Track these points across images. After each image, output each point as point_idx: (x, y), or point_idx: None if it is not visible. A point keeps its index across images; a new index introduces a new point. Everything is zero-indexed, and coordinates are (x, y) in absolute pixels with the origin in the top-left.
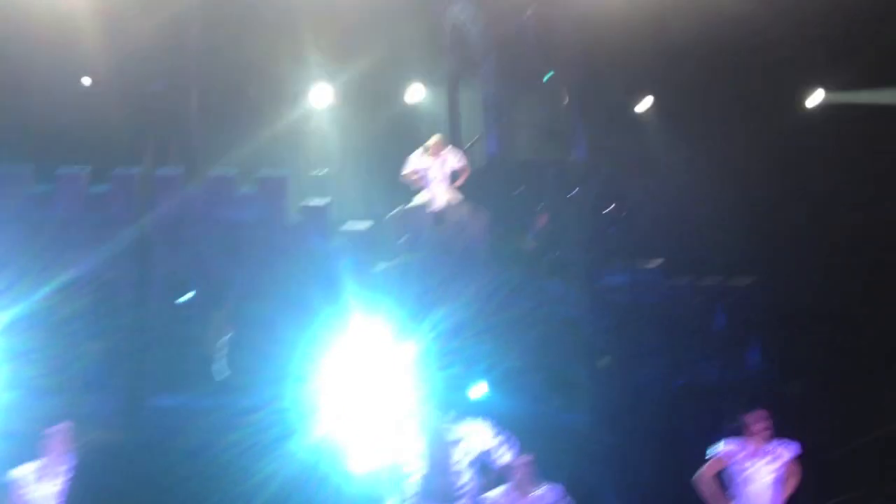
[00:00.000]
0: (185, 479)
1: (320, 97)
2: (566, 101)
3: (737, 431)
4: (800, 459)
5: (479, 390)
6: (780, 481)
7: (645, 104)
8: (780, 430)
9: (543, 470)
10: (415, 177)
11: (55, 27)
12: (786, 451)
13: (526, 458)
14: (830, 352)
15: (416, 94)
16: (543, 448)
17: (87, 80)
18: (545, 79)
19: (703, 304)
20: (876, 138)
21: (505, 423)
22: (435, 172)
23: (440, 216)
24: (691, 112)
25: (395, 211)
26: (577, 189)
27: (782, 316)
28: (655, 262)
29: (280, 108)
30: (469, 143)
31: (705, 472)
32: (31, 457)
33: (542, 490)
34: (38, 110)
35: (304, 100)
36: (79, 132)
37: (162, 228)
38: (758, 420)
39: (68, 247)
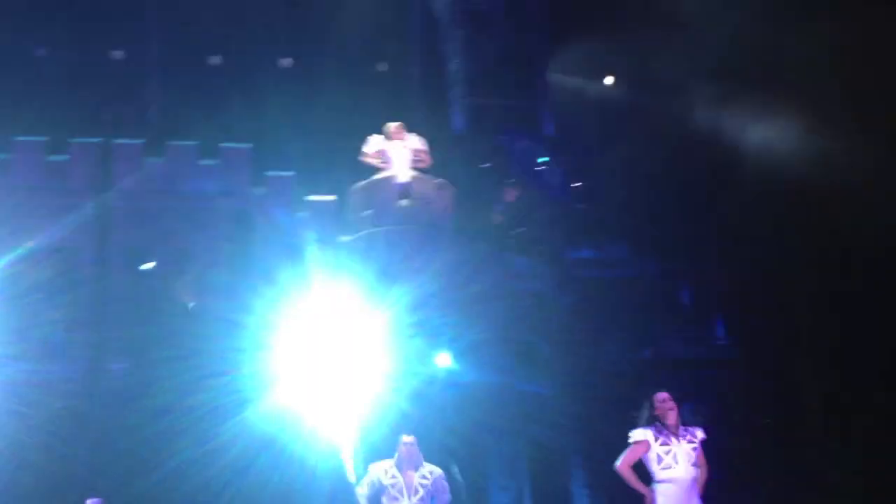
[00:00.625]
0: (146, 441)
1: (284, 68)
2: (534, 76)
3: (650, 417)
4: (707, 448)
5: (444, 360)
6: (697, 463)
7: (609, 80)
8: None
9: (507, 437)
10: (376, 159)
11: None
12: (698, 434)
13: (410, 438)
14: (795, 327)
15: (381, 67)
16: (508, 416)
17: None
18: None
19: (668, 280)
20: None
21: (469, 393)
22: (396, 153)
23: (405, 189)
24: (657, 89)
25: (359, 184)
26: (545, 165)
27: (747, 291)
28: (621, 239)
29: (243, 78)
30: None
31: (625, 461)
32: None
33: (424, 470)
34: None
35: (267, 70)
36: (35, 102)
37: (122, 199)
38: (663, 401)
39: (28, 216)
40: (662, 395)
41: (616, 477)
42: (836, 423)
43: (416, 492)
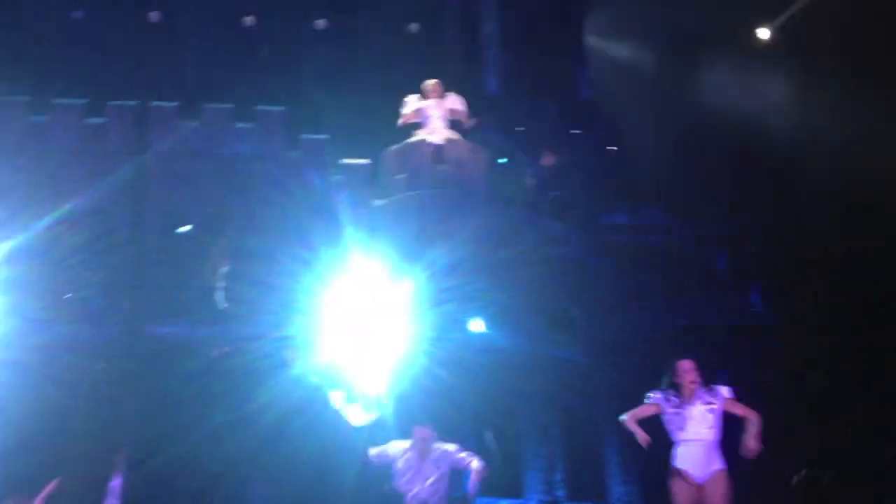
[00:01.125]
0: (184, 404)
1: (318, 30)
2: (570, 39)
3: (670, 382)
4: (739, 398)
5: (477, 326)
6: (714, 424)
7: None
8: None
9: (540, 404)
10: (414, 118)
11: None
12: (721, 395)
13: (426, 432)
14: (832, 296)
15: (415, 28)
16: (541, 382)
17: (79, 13)
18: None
19: (704, 246)
20: None
21: (503, 359)
22: (434, 111)
23: (439, 153)
24: (696, 58)
25: (393, 147)
26: (580, 129)
27: (784, 259)
28: (656, 204)
29: (277, 41)
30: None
31: (634, 413)
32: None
33: (440, 451)
34: (33, 42)
35: (301, 32)
36: (72, 64)
37: (159, 162)
38: (686, 370)
39: (66, 179)
40: (685, 365)
41: (650, 447)
42: (871, 392)
43: (428, 478)
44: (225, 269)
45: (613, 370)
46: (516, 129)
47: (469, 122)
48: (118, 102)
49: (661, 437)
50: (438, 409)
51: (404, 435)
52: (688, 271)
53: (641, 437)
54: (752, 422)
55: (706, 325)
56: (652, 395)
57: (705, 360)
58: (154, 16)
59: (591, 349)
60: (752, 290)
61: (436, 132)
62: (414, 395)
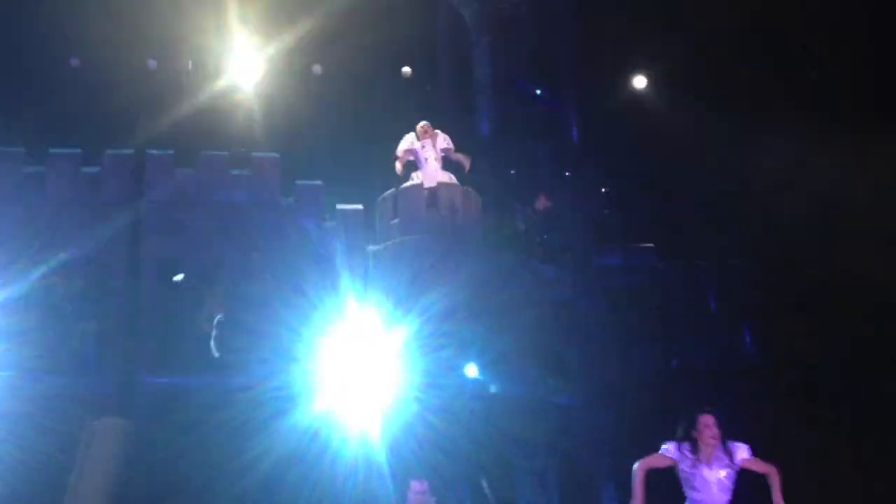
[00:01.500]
0: (179, 456)
1: (313, 75)
2: (561, 82)
3: (687, 434)
4: (757, 454)
5: (472, 371)
6: (730, 487)
7: (640, 84)
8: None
9: (536, 450)
10: (409, 157)
11: (44, 6)
12: (739, 456)
13: (422, 486)
14: (824, 335)
15: (407, 74)
16: (535, 428)
17: (75, 61)
18: None
19: (695, 287)
20: None
21: (498, 404)
22: (429, 152)
23: (433, 198)
24: (688, 92)
25: (388, 192)
26: (571, 171)
27: (775, 299)
28: (648, 245)
29: (272, 86)
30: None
31: (647, 462)
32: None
33: None
34: (29, 90)
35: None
36: (68, 112)
37: (154, 210)
38: (707, 425)
39: (61, 228)
40: (706, 420)
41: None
42: (868, 434)
43: None
44: (220, 317)
45: (608, 414)
46: (509, 171)
47: (467, 161)
48: (113, 151)
49: (664, 483)
50: (432, 456)
51: (398, 483)
52: (680, 312)
53: (637, 499)
54: (775, 479)
55: (699, 366)
56: (667, 445)
57: (699, 402)
58: (151, 63)
59: (586, 393)
60: (744, 330)
61: (430, 174)
62: (407, 442)
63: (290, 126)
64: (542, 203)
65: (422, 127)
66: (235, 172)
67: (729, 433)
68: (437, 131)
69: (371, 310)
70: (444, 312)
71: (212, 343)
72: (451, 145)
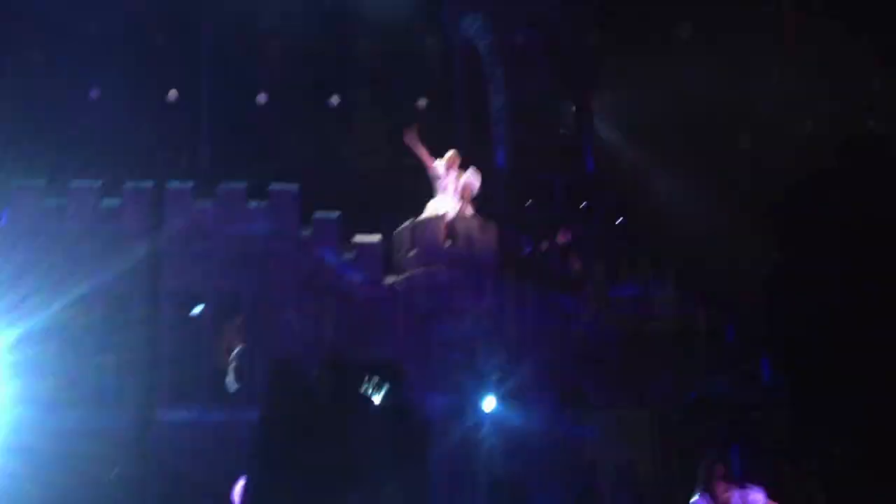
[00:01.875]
0: (198, 491)
1: (333, 106)
2: (575, 113)
3: (707, 485)
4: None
5: (490, 404)
6: None
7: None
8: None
9: (554, 483)
10: (434, 174)
11: (65, 38)
12: (753, 498)
13: None
14: (842, 364)
15: (424, 106)
16: (554, 461)
17: (96, 93)
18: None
19: (713, 317)
20: None
21: (516, 437)
22: (450, 183)
23: (450, 229)
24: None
25: (405, 224)
26: (588, 202)
27: (793, 329)
28: (665, 275)
29: (290, 117)
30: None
31: None
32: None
33: None
34: (49, 123)
35: (313, 108)
36: (89, 144)
37: (173, 242)
38: (718, 477)
39: (81, 260)
40: (718, 472)
41: None
42: (890, 465)
43: None
44: (238, 349)
45: (627, 447)
46: (525, 202)
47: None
48: (134, 183)
49: None
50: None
51: None
52: (697, 345)
53: None
54: None
55: (717, 397)
56: (696, 498)
57: (716, 433)
58: (171, 95)
59: (603, 425)
60: (762, 362)
61: (447, 204)
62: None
63: (308, 157)
64: (563, 236)
65: (449, 158)
66: (253, 204)
67: (746, 469)
68: (469, 169)
69: (389, 340)
70: (462, 344)
71: (230, 375)
72: (474, 188)
